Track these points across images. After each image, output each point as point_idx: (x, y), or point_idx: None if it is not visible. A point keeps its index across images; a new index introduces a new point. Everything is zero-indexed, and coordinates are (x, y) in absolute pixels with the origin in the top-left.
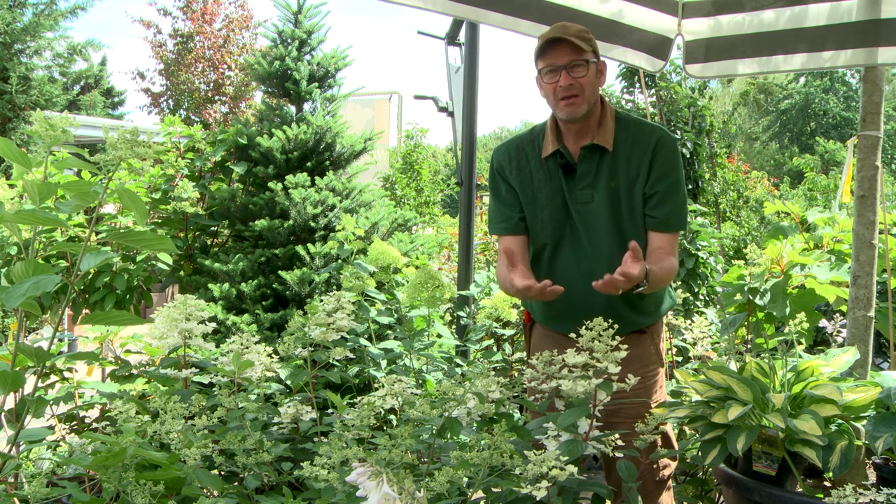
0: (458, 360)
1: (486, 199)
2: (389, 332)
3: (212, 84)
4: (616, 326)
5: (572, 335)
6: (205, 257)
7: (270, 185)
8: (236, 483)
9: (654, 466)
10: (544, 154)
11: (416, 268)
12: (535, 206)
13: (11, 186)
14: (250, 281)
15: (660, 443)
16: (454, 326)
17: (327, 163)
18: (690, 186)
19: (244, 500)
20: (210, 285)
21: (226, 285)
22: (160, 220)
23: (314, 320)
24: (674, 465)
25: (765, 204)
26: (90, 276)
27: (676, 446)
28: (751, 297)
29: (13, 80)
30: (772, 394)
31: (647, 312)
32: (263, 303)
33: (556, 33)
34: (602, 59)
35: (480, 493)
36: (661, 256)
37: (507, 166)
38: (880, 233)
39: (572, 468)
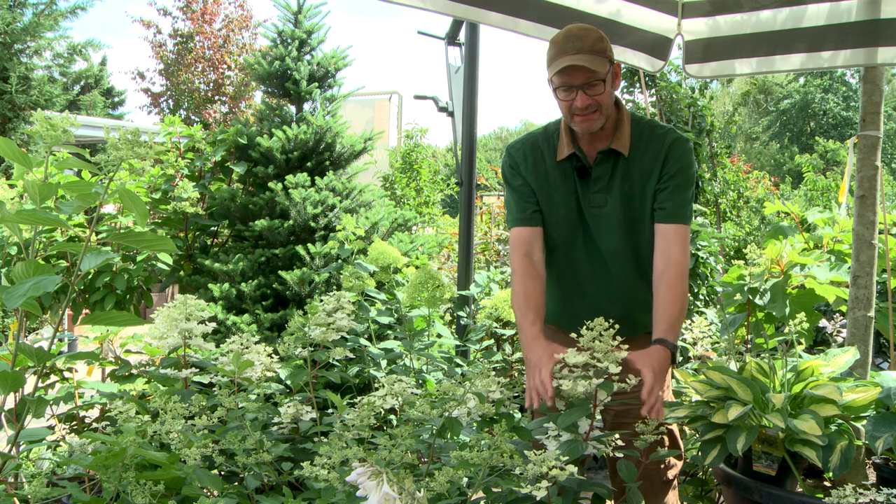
0: (458, 360)
1: (486, 199)
2: (389, 332)
3: (212, 84)
4: (617, 326)
5: (573, 335)
6: (205, 257)
7: (270, 185)
8: (236, 483)
9: (662, 466)
10: (559, 157)
11: (416, 268)
12: (551, 204)
13: (12, 186)
14: (250, 281)
15: (667, 443)
16: (454, 326)
17: (327, 163)
18: None
19: (244, 500)
20: (210, 285)
21: (226, 285)
22: (160, 220)
23: (314, 320)
24: (680, 464)
25: (765, 204)
26: (90, 276)
27: (682, 446)
28: (751, 297)
29: (13, 80)
30: (772, 394)
31: None
32: (263, 303)
33: (571, 57)
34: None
35: (480, 493)
36: (668, 257)
37: (521, 163)
38: (880, 233)
39: (572, 468)
